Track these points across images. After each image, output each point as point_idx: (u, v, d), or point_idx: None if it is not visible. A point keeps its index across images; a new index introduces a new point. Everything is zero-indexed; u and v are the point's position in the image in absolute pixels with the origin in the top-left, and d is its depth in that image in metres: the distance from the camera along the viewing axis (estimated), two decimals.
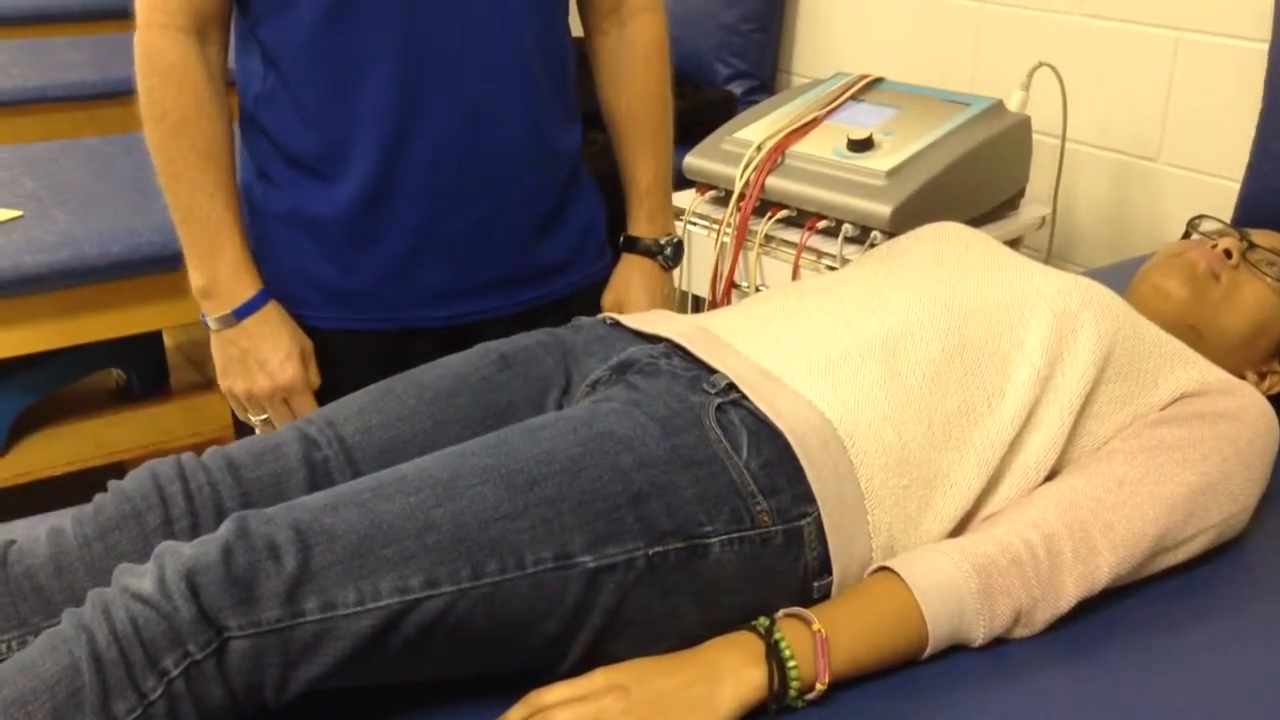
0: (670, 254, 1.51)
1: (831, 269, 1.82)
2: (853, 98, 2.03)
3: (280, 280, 1.35)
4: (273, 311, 1.32)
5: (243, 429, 1.46)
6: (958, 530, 1.05)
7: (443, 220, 1.32)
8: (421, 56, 1.26)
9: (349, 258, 1.34)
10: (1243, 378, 1.28)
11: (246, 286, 1.30)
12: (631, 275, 1.50)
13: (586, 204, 1.46)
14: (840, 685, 0.94)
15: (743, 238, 1.92)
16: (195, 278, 1.30)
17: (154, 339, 2.39)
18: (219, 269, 1.29)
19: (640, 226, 1.50)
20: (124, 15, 3.85)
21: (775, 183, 1.89)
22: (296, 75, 1.27)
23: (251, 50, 1.31)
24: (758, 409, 1.01)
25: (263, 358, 1.30)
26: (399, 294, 1.35)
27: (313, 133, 1.29)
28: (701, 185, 1.99)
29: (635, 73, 1.46)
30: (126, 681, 0.81)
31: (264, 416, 1.35)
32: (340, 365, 1.36)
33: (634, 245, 1.50)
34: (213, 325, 1.32)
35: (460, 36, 1.27)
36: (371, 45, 1.25)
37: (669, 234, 1.52)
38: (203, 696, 0.83)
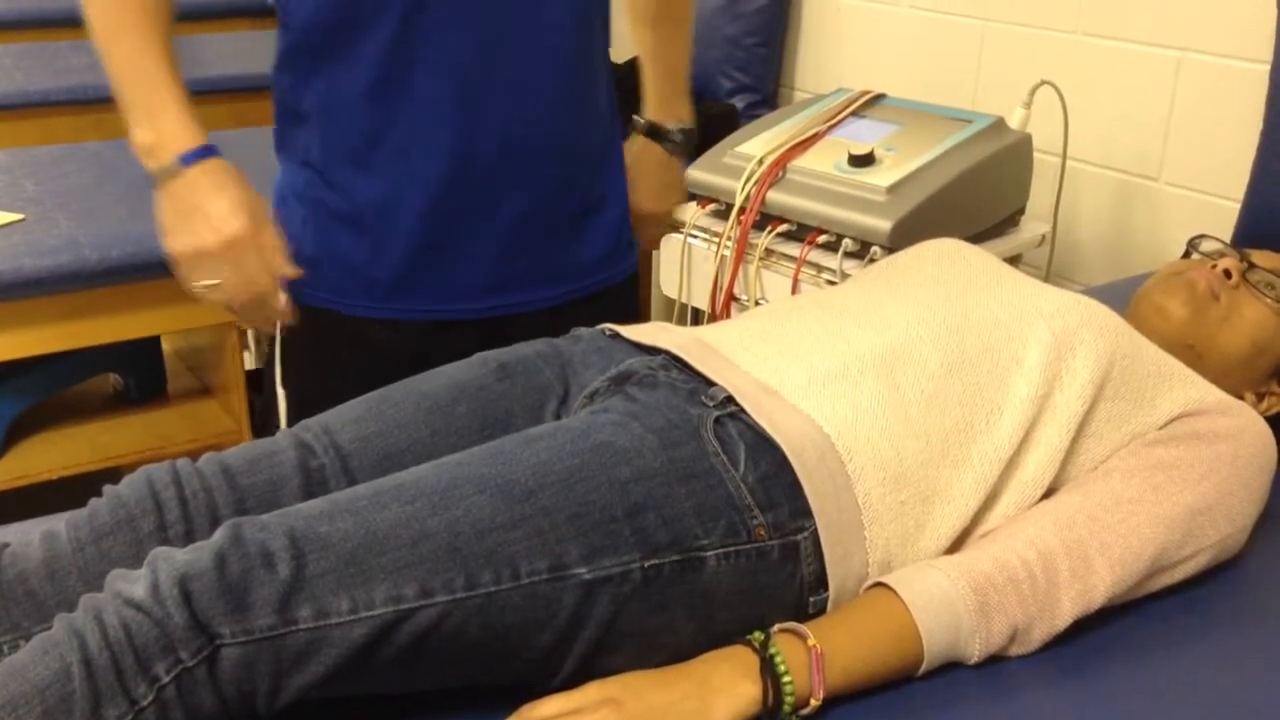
0: (679, 138, 1.54)
1: (831, 284, 1.81)
2: (854, 113, 2.03)
3: (317, 265, 1.36)
4: (220, 165, 1.26)
5: (263, 430, 1.45)
6: (954, 547, 1.04)
7: (479, 213, 1.32)
8: (474, 64, 1.27)
9: (385, 247, 1.34)
10: (1241, 398, 1.28)
11: (192, 137, 1.25)
12: (635, 167, 1.51)
13: (620, 200, 1.47)
14: (835, 701, 0.94)
15: (743, 251, 1.92)
16: (140, 135, 1.25)
17: (152, 344, 2.39)
18: (162, 122, 1.24)
19: (646, 114, 1.53)
20: None
21: (776, 197, 1.89)
22: (350, 84, 1.28)
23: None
24: (756, 422, 1.01)
25: (208, 210, 1.23)
26: (434, 285, 1.36)
27: (351, 126, 1.29)
28: (702, 198, 1.99)
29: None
30: (117, 687, 0.81)
31: (211, 281, 1.26)
32: (376, 354, 1.36)
33: (643, 129, 1.53)
34: (159, 179, 1.25)
35: (512, 46, 1.28)
36: (428, 54, 1.26)
37: (680, 120, 1.55)
38: (194, 704, 0.83)
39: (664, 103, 1.53)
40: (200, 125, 1.26)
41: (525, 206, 1.34)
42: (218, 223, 1.22)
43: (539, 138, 1.33)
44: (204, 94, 2.97)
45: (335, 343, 1.40)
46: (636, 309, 1.52)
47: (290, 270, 1.27)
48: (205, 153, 1.24)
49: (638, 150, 1.53)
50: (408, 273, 1.35)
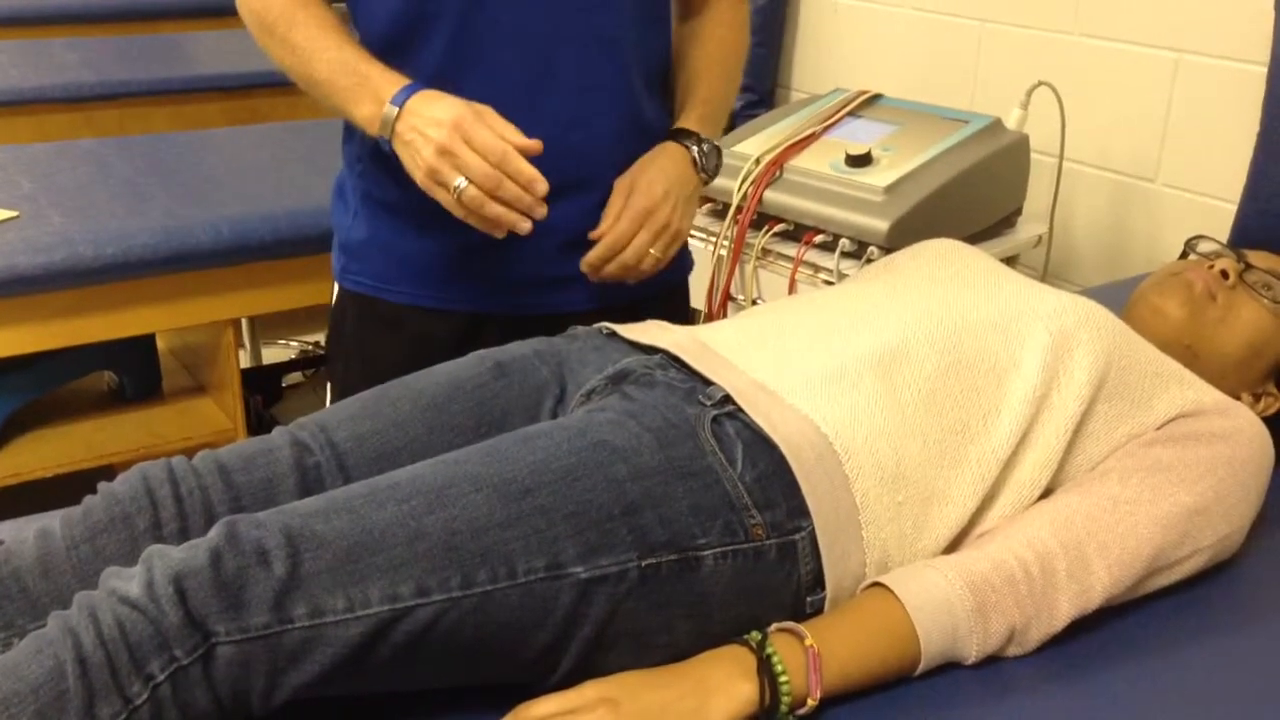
0: (706, 149, 1.39)
1: (828, 283, 1.81)
2: (851, 113, 2.03)
3: (366, 251, 1.38)
4: (431, 90, 1.23)
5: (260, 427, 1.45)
6: (952, 547, 1.04)
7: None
8: (524, 75, 1.28)
9: (434, 238, 1.34)
10: (1238, 399, 1.28)
11: (399, 81, 1.24)
12: (653, 155, 1.37)
13: None
14: (832, 701, 0.93)
15: (740, 251, 1.92)
16: (361, 111, 1.25)
17: (147, 342, 2.38)
18: (371, 88, 1.24)
19: (687, 123, 1.41)
20: (122, 17, 3.84)
21: (773, 196, 1.89)
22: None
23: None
24: (753, 422, 1.01)
25: (428, 116, 1.20)
26: (481, 279, 1.36)
27: None
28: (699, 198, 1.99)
29: (716, 32, 1.45)
30: (111, 686, 0.80)
31: (460, 182, 1.19)
32: (419, 343, 1.36)
33: (673, 135, 1.40)
34: (389, 133, 1.23)
35: (561, 58, 1.29)
36: (480, 64, 1.28)
37: (708, 139, 1.41)
38: (188, 702, 0.82)
39: (700, 121, 1.42)
40: (402, 76, 1.26)
41: (576, 209, 1.32)
42: (439, 116, 1.20)
43: (591, 141, 1.33)
44: (199, 92, 3.00)
45: (380, 329, 1.42)
46: (685, 318, 1.49)
47: (526, 140, 1.21)
48: (413, 88, 1.23)
49: (655, 151, 1.39)
50: (455, 264, 1.35)
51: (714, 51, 1.46)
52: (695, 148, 1.38)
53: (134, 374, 2.38)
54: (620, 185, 1.35)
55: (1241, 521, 1.11)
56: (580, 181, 1.33)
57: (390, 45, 1.30)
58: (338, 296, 1.47)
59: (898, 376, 1.06)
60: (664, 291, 1.45)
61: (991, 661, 1.00)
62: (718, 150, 1.41)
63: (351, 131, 1.40)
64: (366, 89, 1.25)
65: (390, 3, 1.29)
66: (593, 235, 1.33)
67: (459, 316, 1.38)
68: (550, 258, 1.36)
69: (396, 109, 1.22)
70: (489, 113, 1.21)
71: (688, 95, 1.44)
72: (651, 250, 1.33)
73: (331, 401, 1.47)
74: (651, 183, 1.33)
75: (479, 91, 1.26)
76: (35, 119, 2.83)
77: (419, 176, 1.21)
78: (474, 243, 1.29)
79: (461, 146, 1.18)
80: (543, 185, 1.20)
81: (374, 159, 1.36)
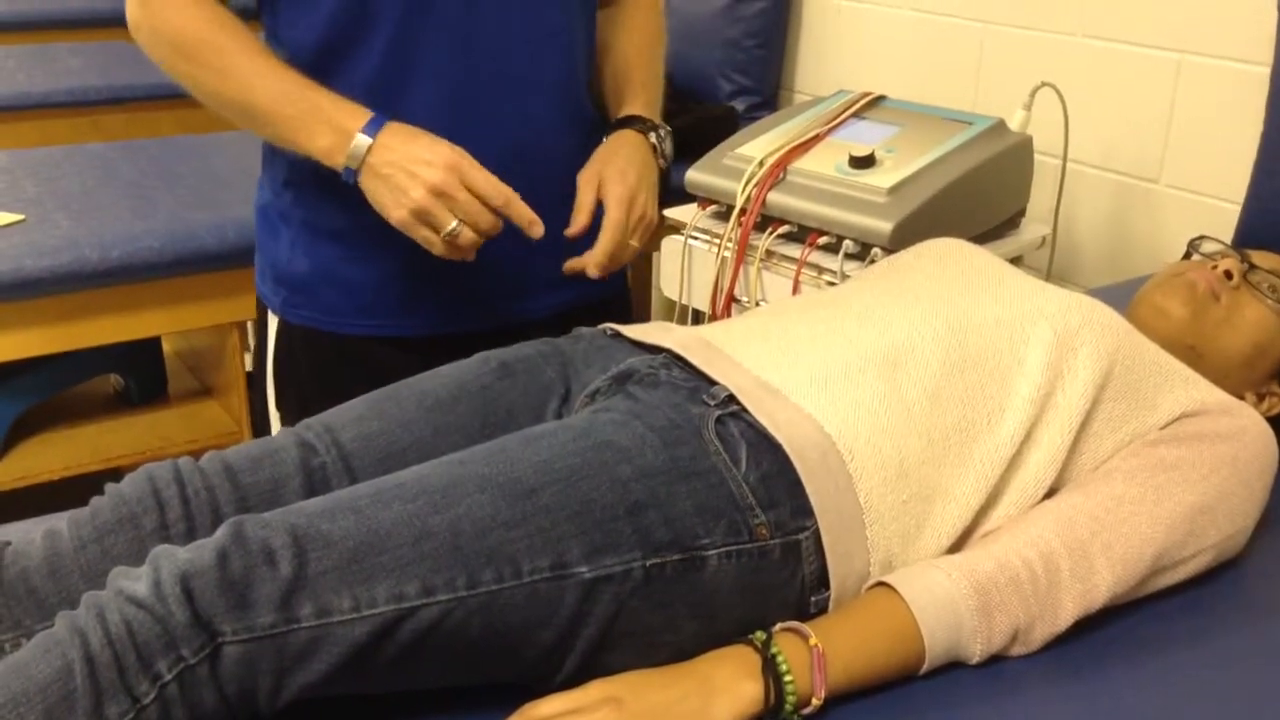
0: (663, 135, 1.36)
1: (832, 285, 1.81)
2: (855, 115, 2.03)
3: (310, 286, 1.35)
4: (399, 123, 1.20)
5: (262, 432, 1.43)
6: (956, 547, 1.04)
7: None
8: (469, 73, 1.27)
9: (380, 265, 1.33)
10: (1241, 399, 1.28)
11: (361, 113, 1.20)
12: (616, 144, 1.34)
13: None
14: (836, 700, 0.93)
15: (743, 253, 1.92)
16: (318, 142, 1.20)
17: (153, 345, 2.39)
18: (329, 118, 1.19)
19: (634, 110, 1.39)
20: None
21: (776, 198, 1.89)
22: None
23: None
24: (757, 421, 1.01)
25: (413, 154, 1.16)
26: (433, 301, 1.35)
27: None
28: (702, 200, 1.99)
29: (638, 19, 1.45)
30: (119, 685, 0.81)
31: (452, 226, 1.17)
32: (377, 373, 1.31)
33: (625, 123, 1.37)
34: (356, 167, 1.19)
35: (509, 53, 1.28)
36: (424, 63, 1.26)
37: (661, 124, 1.39)
38: (196, 701, 0.83)
39: (646, 106, 1.41)
40: (359, 104, 1.21)
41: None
42: (430, 156, 1.16)
43: (539, 139, 1.32)
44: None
45: (334, 364, 1.38)
46: (628, 319, 1.50)
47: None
48: (380, 120, 1.20)
49: (615, 140, 1.36)
50: (410, 290, 1.33)
51: (640, 39, 1.45)
52: (653, 134, 1.36)
53: (140, 377, 2.39)
54: (586, 177, 1.32)
55: (1246, 521, 1.11)
56: (530, 182, 1.27)
57: (326, 49, 1.26)
58: (280, 328, 1.41)
59: (902, 375, 1.06)
60: (612, 295, 1.45)
61: (996, 661, 1.00)
62: (671, 136, 1.39)
63: (275, 155, 1.34)
64: (320, 118, 1.20)
65: (327, 4, 1.24)
66: (570, 233, 1.29)
67: (420, 342, 1.35)
68: (505, 264, 1.33)
69: (369, 141, 1.18)
70: (471, 158, 1.18)
71: (625, 82, 1.42)
72: (631, 241, 1.31)
73: (283, 426, 1.43)
74: (624, 171, 1.31)
75: (421, 94, 1.25)
76: (41, 123, 2.84)
77: (399, 215, 1.18)
78: (427, 265, 1.26)
79: (460, 189, 1.16)
80: (540, 228, 1.19)
81: (314, 185, 1.31)
